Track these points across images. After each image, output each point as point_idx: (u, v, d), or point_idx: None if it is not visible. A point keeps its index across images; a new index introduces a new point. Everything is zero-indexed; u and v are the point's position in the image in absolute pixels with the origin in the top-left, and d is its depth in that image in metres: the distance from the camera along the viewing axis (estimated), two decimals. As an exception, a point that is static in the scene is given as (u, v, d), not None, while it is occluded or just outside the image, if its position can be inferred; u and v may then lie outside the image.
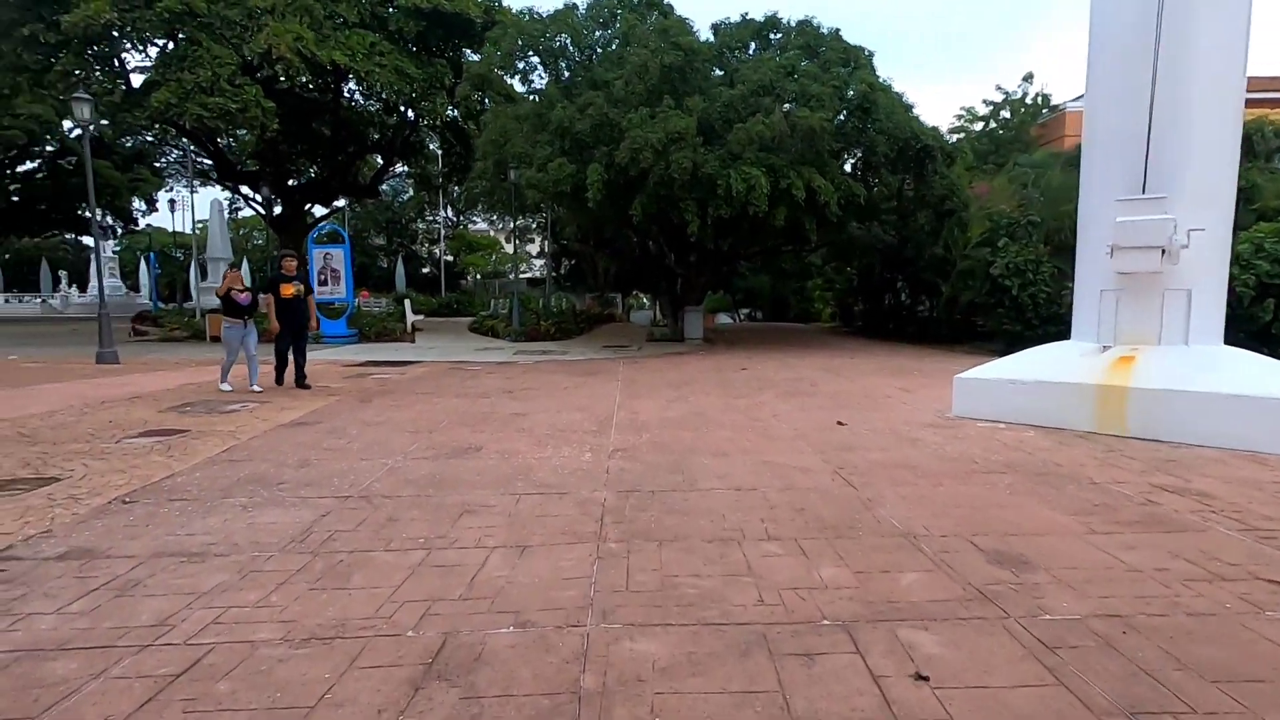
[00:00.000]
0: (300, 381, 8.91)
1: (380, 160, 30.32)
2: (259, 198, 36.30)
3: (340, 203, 39.33)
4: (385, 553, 3.49)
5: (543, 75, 17.49)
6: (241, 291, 8.72)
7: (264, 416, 6.99)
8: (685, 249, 20.11)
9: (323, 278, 18.26)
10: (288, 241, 24.16)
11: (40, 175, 31.15)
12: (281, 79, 20.07)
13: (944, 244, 18.11)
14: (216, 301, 22.13)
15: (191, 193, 38.39)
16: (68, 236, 52.35)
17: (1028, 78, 39.92)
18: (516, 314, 18.73)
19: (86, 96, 12.23)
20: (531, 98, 18.23)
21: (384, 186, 38.66)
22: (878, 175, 17.73)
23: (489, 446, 5.76)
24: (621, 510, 4.11)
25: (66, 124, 29.88)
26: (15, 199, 30.54)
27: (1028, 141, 28.21)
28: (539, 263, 53.16)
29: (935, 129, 17.08)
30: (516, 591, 2.99)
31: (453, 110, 24.77)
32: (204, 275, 37.04)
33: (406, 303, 21.84)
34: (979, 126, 30.68)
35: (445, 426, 6.58)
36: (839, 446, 5.78)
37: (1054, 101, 29.94)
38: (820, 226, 16.47)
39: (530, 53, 17.12)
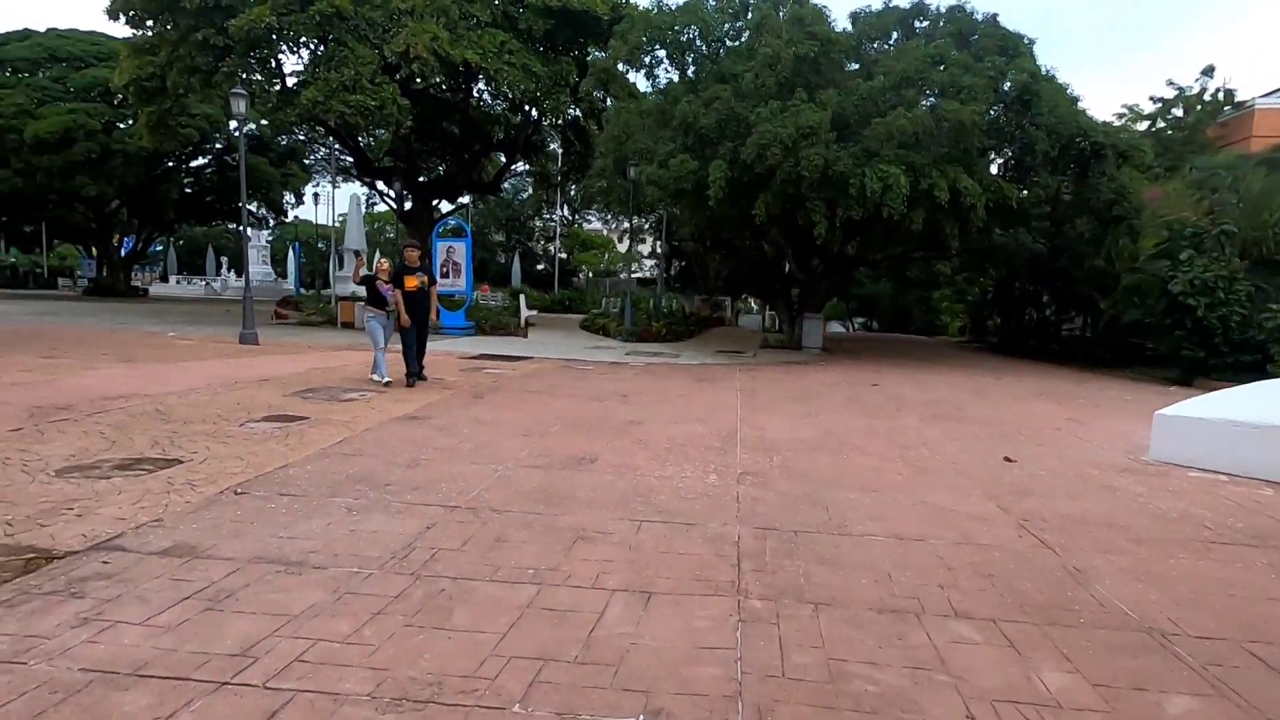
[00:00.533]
0: (417, 375, 8.63)
1: (503, 158, 31.21)
2: (392, 193, 38.47)
3: (464, 199, 40.98)
4: (491, 583, 3.04)
5: (669, 69, 17.05)
6: (387, 282, 8.37)
7: (379, 408, 6.89)
8: (807, 252, 19.06)
9: (444, 270, 18.74)
10: (415, 234, 25.19)
11: (209, 170, 34.38)
12: (417, 79, 20.86)
13: (1106, 254, 16.03)
14: (348, 289, 23.45)
15: (334, 188, 41.25)
16: (230, 226, 58.12)
17: (1208, 71, 35.23)
18: (629, 314, 18.42)
19: (242, 91, 13.01)
20: (655, 94, 17.88)
21: (505, 184, 39.78)
22: (1032, 176, 15.95)
23: (604, 458, 5.27)
24: (761, 554, 3.46)
25: (233, 124, 32.94)
26: (188, 191, 33.86)
27: (1202, 143, 24.77)
28: (649, 263, 53.22)
29: (1107, 124, 15.11)
30: (644, 660, 2.42)
31: (574, 109, 24.96)
32: (340, 265, 39.65)
33: (521, 298, 22.12)
34: (1143, 125, 27.31)
35: (558, 431, 6.18)
36: (1014, 490, 4.83)
37: (1239, 98, 26.19)
38: (961, 232, 14.99)
39: (657, 46, 16.72)
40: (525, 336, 18.14)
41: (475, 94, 26.29)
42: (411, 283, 8.38)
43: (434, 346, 13.39)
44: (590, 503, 4.21)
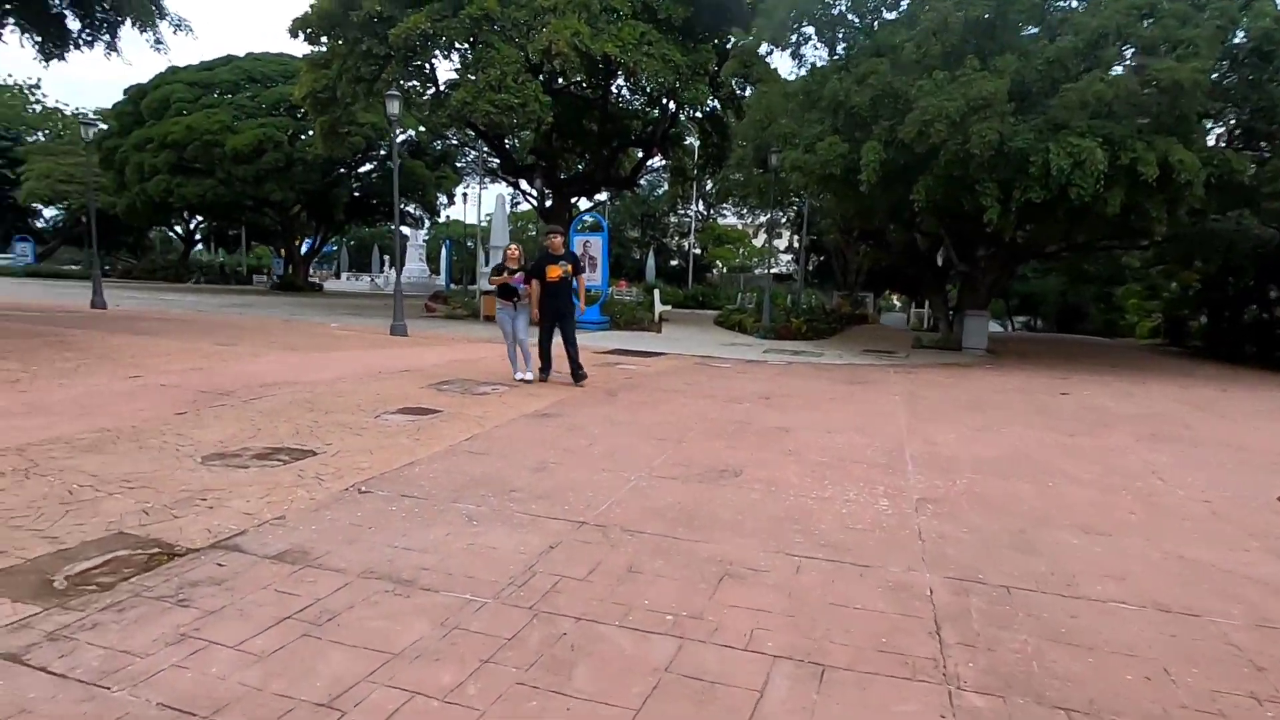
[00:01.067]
0: (575, 375, 7.80)
1: (640, 154, 31.20)
2: (534, 191, 39.79)
3: (601, 196, 41.58)
4: (621, 630, 2.49)
5: (817, 46, 15.91)
6: (514, 272, 7.78)
7: (511, 404, 6.65)
8: (970, 243, 17.14)
9: (582, 265, 18.81)
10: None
11: (374, 175, 37.30)
12: (559, 77, 21.13)
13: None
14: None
15: (481, 188, 43.38)
16: (392, 226, 63.38)
17: None
18: (767, 310, 17.49)
19: (395, 93, 13.60)
20: (800, 76, 16.79)
21: (642, 180, 39.83)
22: (1264, 146, 13.20)
23: (750, 471, 4.60)
24: (965, 617, 2.65)
25: (395, 131, 35.58)
26: (356, 194, 36.95)
27: None
28: (786, 258, 51.46)
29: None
30: (827, 777, 1.76)
31: (713, 101, 24.33)
32: (486, 261, 41.63)
33: (656, 293, 21.81)
34: None
35: (696, 436, 5.58)
36: (1309, 545, 3.60)
37: None
38: (1169, 215, 12.66)
39: (804, 22, 15.65)
40: (659, 332, 17.76)
41: (614, 90, 26.35)
42: (554, 272, 7.58)
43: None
44: (736, 527, 3.56)
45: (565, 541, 3.30)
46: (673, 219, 64.96)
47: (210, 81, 32.10)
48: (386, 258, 59.97)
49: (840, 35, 15.70)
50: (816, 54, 16.13)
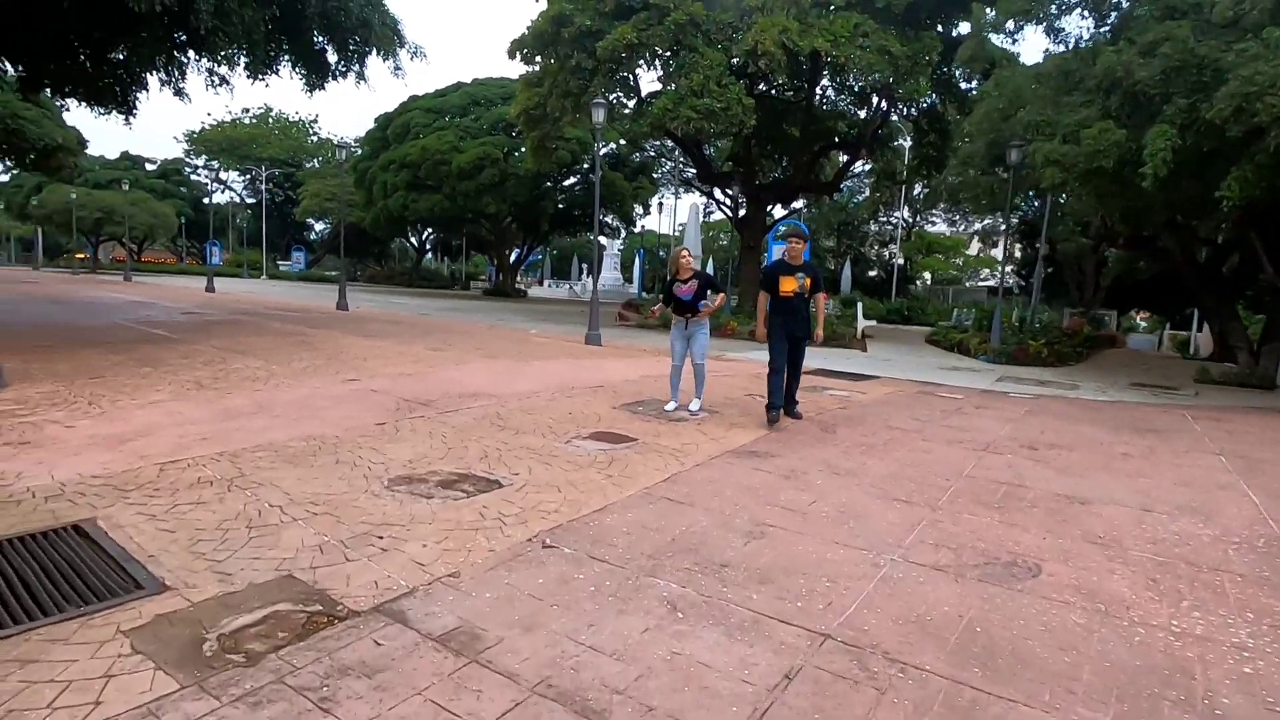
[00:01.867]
0: (789, 409, 6.47)
1: (843, 157, 29.23)
2: (728, 200, 39.18)
3: (797, 204, 39.87)
4: None
5: (1083, 15, 13.34)
6: (685, 281, 6.43)
7: (712, 434, 5.81)
8: (1291, 251, 13.34)
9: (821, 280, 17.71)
10: (750, 240, 24.76)
11: (577, 188, 39.08)
12: (761, 80, 20.22)
13: None
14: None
15: (676, 198, 43.72)
16: (590, 237, 66.56)
17: None
18: (998, 329, 15.04)
19: (601, 101, 13.54)
20: (1051, 54, 14.22)
21: (841, 186, 37.43)
22: None
23: (1052, 569, 3.29)
24: None
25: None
26: (560, 206, 38.95)
27: None
28: (1007, 269, 45.79)
29: None
30: None
31: (931, 95, 21.94)
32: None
33: (858, 306, 19.97)
34: None
35: (954, 501, 4.31)
36: None
37: None
38: None
39: (1066, -10, 13.19)
40: (864, 350, 16.05)
41: (819, 90, 24.83)
42: (789, 285, 6.10)
43: (759, 356, 12.32)
44: (1068, 679, 2.35)
45: (805, 669, 2.34)
46: (872, 227, 61.03)
47: (442, 107, 35.65)
48: (585, 265, 63.14)
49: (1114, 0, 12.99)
50: (1083, 24, 13.51)
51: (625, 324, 20.37)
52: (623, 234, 60.21)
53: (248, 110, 75.75)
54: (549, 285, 58.25)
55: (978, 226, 53.37)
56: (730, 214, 39.33)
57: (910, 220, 57.84)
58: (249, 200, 67.83)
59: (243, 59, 14.21)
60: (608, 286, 54.37)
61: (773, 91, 24.61)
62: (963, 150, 18.59)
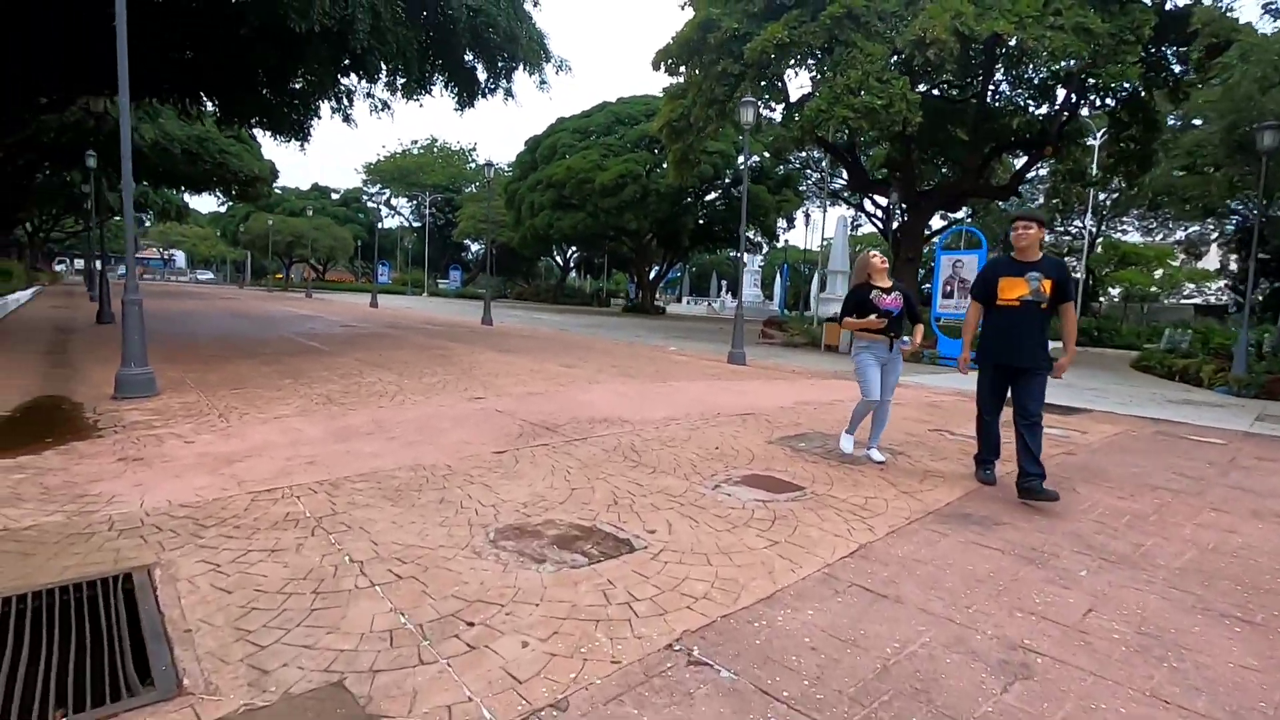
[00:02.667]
0: (1028, 484, 4.13)
1: (1023, 158, 26.03)
2: (879, 211, 36.51)
3: (957, 214, 36.35)
4: None
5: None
6: (888, 291, 4.98)
7: (903, 486, 4.50)
8: None
9: (948, 289, 15.63)
10: (909, 250, 22.52)
11: (718, 203, 38.20)
12: (925, 76, 18.26)
13: None
14: (830, 311, 22.16)
15: (823, 210, 41.56)
16: (730, 254, 65.35)
17: None
18: (1243, 355, 12.10)
19: (751, 99, 12.52)
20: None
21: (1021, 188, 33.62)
22: None
23: None
24: None
25: (740, 159, 35.86)
26: (700, 222, 38.25)
27: None
28: (1250, 282, 39.22)
29: None
30: None
31: (1135, 81, 18.82)
32: (822, 287, 39.62)
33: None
34: None
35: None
36: None
37: None
38: None
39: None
40: (1058, 377, 13.60)
41: (991, 86, 22.20)
42: (1016, 289, 4.21)
43: (930, 381, 10.55)
44: None
45: None
46: (1048, 237, 54.73)
47: (587, 127, 36.31)
48: (724, 282, 62.08)
49: None
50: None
51: (769, 342, 19.02)
52: (764, 249, 58.56)
53: (415, 141, 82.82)
54: (687, 302, 57.71)
55: (1180, 235, 46.20)
56: (881, 226, 36.62)
57: (1094, 229, 51.53)
58: (414, 224, 73.84)
59: (399, 80, 14.72)
60: (748, 304, 52.85)
61: (935, 90, 22.40)
62: (1186, 139, 15.56)
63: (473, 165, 70.97)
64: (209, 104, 16.08)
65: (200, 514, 3.43)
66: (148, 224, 76.30)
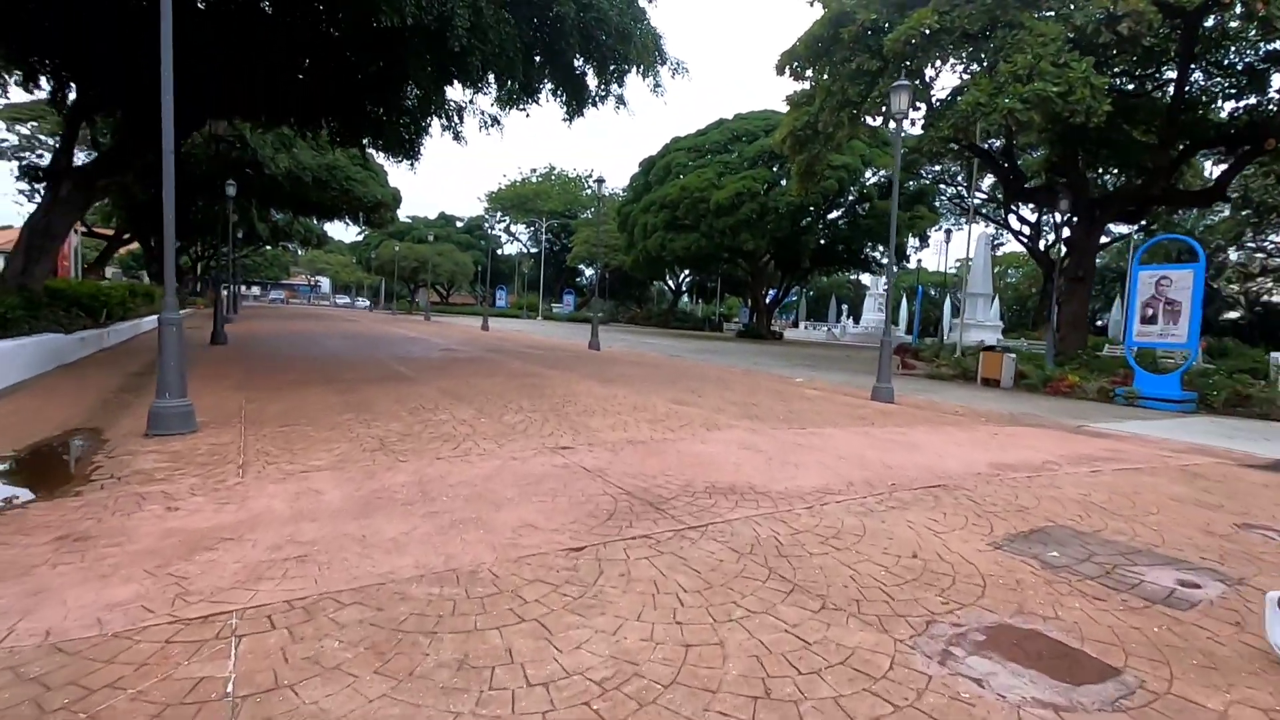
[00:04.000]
0: None
1: (1226, 159, 21.87)
2: (1027, 226, 32.37)
3: (1124, 228, 31.64)
4: None
5: None
6: None
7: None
8: None
9: (1149, 312, 12.60)
10: (1078, 270, 19.15)
11: (841, 221, 35.51)
12: (1116, 50, 15.26)
13: None
14: (976, 337, 19.12)
15: (960, 228, 37.71)
16: (851, 276, 61.52)
17: None
18: None
19: (904, 83, 10.47)
20: None
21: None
22: None
23: None
24: None
25: (867, 173, 33.12)
26: (822, 242, 35.69)
27: None
28: None
29: None
30: None
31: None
32: (955, 312, 35.70)
33: (1274, 357, 13.66)
34: None
35: None
36: None
37: None
38: None
39: None
40: (1322, 428, 10.31)
41: (1189, 69, 18.57)
42: None
43: (1143, 429, 7.93)
44: None
45: None
46: (1233, 255, 47.72)
47: (703, 145, 34.98)
48: (844, 306, 58.44)
49: None
50: None
51: (910, 373, 16.46)
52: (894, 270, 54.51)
53: (535, 169, 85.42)
54: (805, 327, 54.64)
55: None
56: (1027, 242, 32.38)
57: (1293, 244, 44.16)
58: (532, 249, 75.70)
59: (505, 87, 13.89)
60: (871, 329, 49.09)
61: (1117, 77, 19.10)
62: None
63: (588, 191, 71.94)
64: (326, 127, 16.03)
65: (72, 667, 2.04)
66: (299, 251, 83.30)
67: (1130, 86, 20.38)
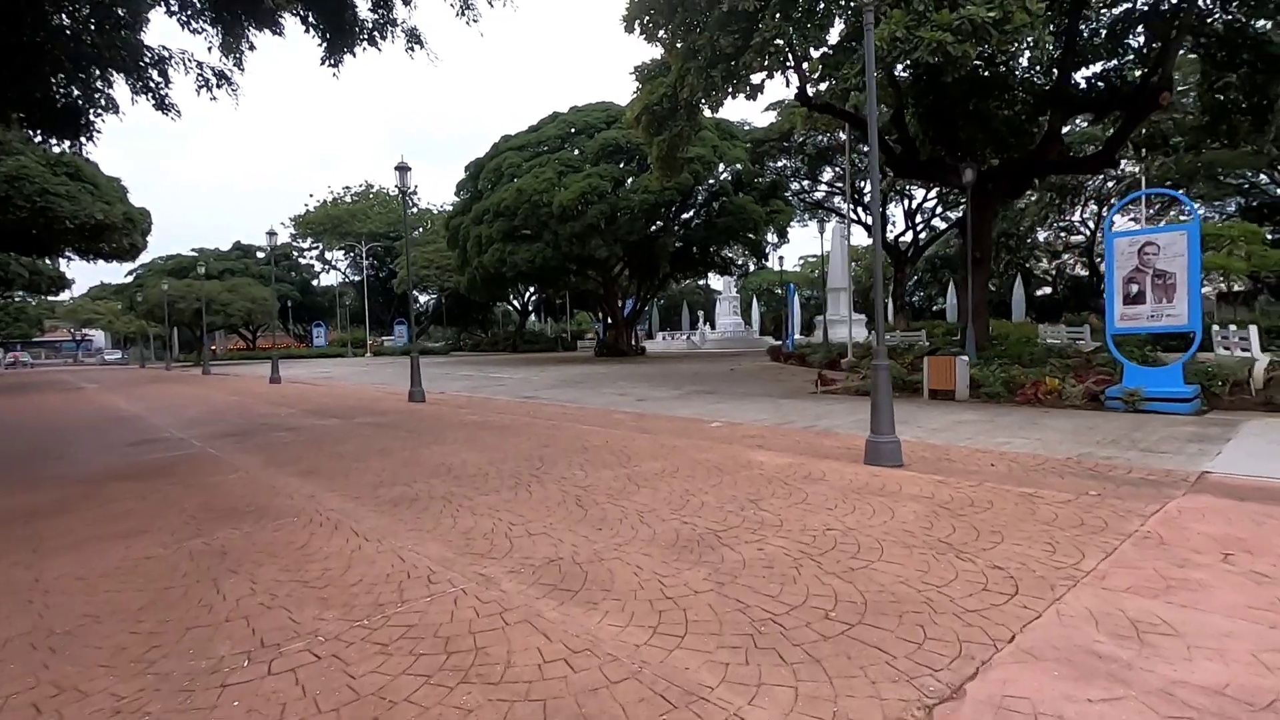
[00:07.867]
0: None
1: (1083, 121, 21.09)
2: (896, 213, 31.02)
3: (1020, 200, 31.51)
4: None
5: None
6: None
7: None
8: None
9: (1133, 288, 9.93)
10: (979, 249, 16.90)
11: (694, 222, 32.54)
12: None
13: None
14: (840, 335, 16.15)
15: (818, 223, 36.13)
16: (700, 283, 59.89)
17: None
18: None
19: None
20: None
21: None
22: None
23: None
24: None
25: (720, 167, 30.31)
26: (678, 245, 32.51)
27: None
28: None
29: None
30: None
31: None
32: (805, 309, 33.86)
33: (1252, 331, 11.68)
34: None
35: None
36: None
37: None
38: None
39: None
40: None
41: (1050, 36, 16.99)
42: None
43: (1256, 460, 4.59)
44: None
45: None
46: (1041, 235, 51.56)
47: (537, 141, 30.50)
48: (699, 314, 56.44)
49: None
50: None
51: (829, 390, 12.94)
52: (749, 270, 53.17)
53: (348, 188, 76.24)
54: (663, 338, 51.79)
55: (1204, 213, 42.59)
56: (867, 230, 31.33)
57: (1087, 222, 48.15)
58: (354, 278, 66.88)
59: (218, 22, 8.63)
60: (728, 334, 47.03)
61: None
62: None
63: (414, 209, 64.75)
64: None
65: None
66: (45, 300, 67.52)
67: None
